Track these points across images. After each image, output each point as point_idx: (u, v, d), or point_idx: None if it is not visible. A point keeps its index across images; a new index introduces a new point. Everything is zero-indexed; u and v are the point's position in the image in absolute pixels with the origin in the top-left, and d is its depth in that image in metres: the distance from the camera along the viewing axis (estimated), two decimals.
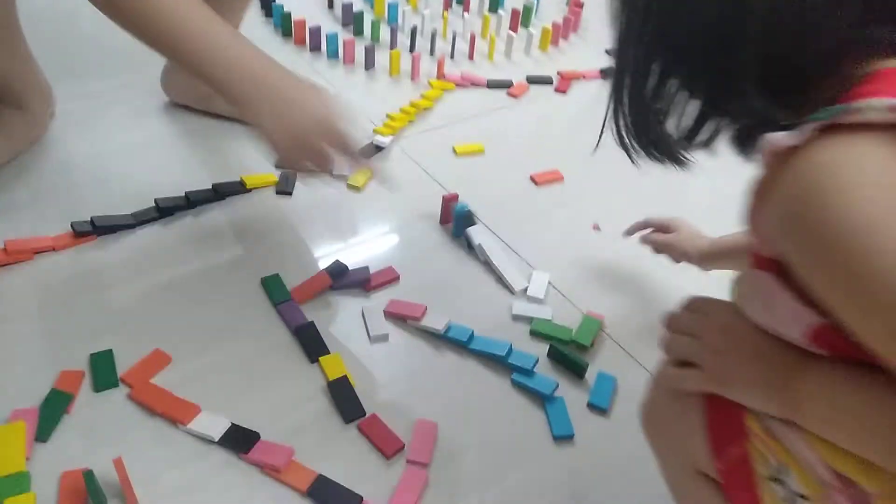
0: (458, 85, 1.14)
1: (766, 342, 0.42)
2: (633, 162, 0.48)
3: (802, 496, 0.40)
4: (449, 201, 0.85)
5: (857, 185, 0.32)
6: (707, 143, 0.45)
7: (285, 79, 0.71)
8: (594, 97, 1.16)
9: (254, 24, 1.23)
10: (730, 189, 0.50)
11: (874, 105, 0.33)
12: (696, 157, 0.48)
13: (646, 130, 0.46)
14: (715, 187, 0.96)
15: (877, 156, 0.32)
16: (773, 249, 0.38)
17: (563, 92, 1.16)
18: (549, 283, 0.80)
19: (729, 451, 0.44)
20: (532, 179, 0.96)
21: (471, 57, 1.21)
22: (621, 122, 0.46)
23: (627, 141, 0.46)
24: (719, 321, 0.46)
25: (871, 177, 0.32)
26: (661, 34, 0.41)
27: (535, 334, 0.74)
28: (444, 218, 0.86)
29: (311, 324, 0.70)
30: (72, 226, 0.78)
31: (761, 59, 0.37)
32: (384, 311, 0.74)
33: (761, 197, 0.37)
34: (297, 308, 0.72)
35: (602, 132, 0.47)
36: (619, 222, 0.90)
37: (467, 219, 0.85)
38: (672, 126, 0.44)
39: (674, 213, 0.92)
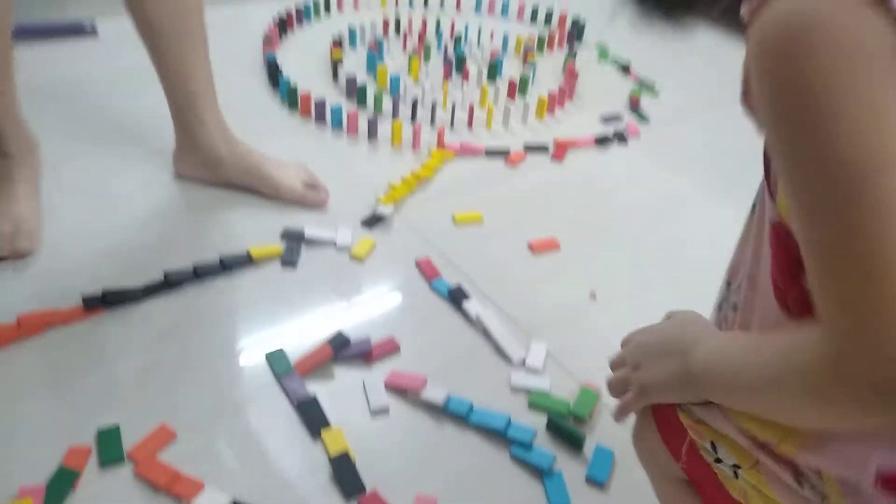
0: (457, 154, 1.18)
1: (670, 337, 0.47)
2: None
3: (737, 466, 0.43)
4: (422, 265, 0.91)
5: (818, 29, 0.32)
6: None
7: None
8: (589, 164, 1.20)
9: (261, 97, 1.29)
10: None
11: None
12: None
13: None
14: (710, 254, 0.99)
15: (842, 21, 0.32)
16: (758, 117, 0.38)
17: (560, 159, 1.20)
18: (548, 352, 0.82)
19: (681, 450, 0.47)
20: (530, 247, 0.99)
21: (470, 126, 1.26)
22: None
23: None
24: (636, 340, 0.52)
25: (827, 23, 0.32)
26: None
27: (534, 406, 0.75)
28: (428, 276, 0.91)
29: (314, 399, 0.72)
30: (82, 299, 0.80)
31: None
32: (385, 383, 0.75)
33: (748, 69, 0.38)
34: (299, 381, 0.74)
35: None
36: (616, 290, 0.93)
37: (455, 293, 0.87)
38: None
39: (670, 280, 0.95)
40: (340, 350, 0.78)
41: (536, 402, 0.75)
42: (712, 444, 0.45)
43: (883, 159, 0.31)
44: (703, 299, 0.91)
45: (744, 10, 0.37)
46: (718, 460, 0.45)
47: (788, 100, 0.33)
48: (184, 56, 0.96)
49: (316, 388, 0.74)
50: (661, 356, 0.47)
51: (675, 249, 1.02)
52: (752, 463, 0.43)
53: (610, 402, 0.76)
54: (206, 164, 1.01)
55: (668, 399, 0.47)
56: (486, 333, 0.83)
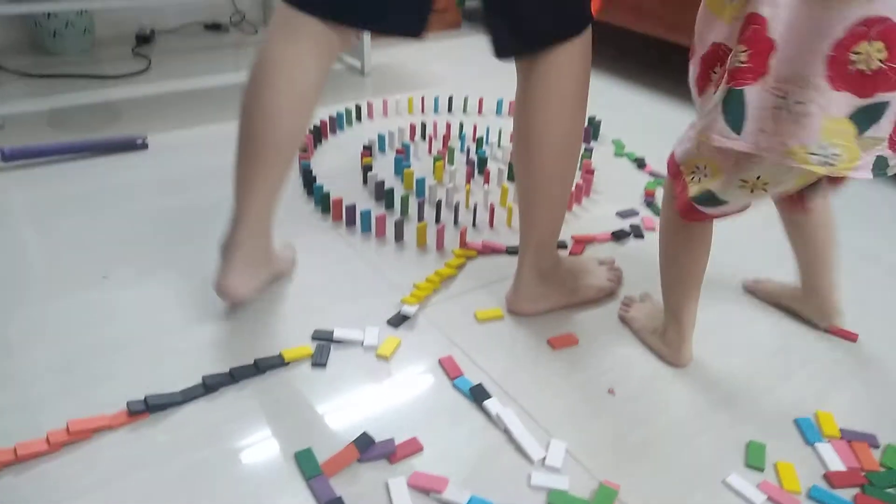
0: (479, 252, 1.24)
1: None
2: None
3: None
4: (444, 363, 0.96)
5: None
6: None
7: None
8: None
9: (297, 203, 1.38)
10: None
11: None
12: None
13: None
14: (723, 348, 1.01)
15: None
16: None
17: (578, 254, 1.25)
18: (567, 451, 0.84)
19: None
20: (549, 343, 1.02)
21: (491, 225, 1.33)
22: None
23: None
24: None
25: None
26: None
27: None
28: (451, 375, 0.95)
29: (339, 499, 0.75)
30: (127, 405, 0.86)
31: None
32: (408, 483, 0.78)
33: None
34: (326, 483, 0.77)
35: None
36: (634, 385, 0.95)
37: (476, 391, 0.91)
38: None
39: (686, 375, 0.97)
40: (365, 451, 0.81)
41: (556, 501, 0.77)
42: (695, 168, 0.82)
43: None
44: (721, 397, 0.93)
45: None
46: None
47: None
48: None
49: (341, 489, 0.77)
50: None
51: (695, 346, 1.04)
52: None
53: (629, 499, 0.78)
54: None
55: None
56: (506, 432, 0.86)
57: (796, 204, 0.94)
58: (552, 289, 1.08)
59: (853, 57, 0.62)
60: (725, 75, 0.70)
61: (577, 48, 0.92)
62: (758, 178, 0.76)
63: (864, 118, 0.65)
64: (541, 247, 1.03)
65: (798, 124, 0.66)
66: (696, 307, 0.97)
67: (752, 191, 0.78)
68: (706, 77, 0.77)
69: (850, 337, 1.06)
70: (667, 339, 0.99)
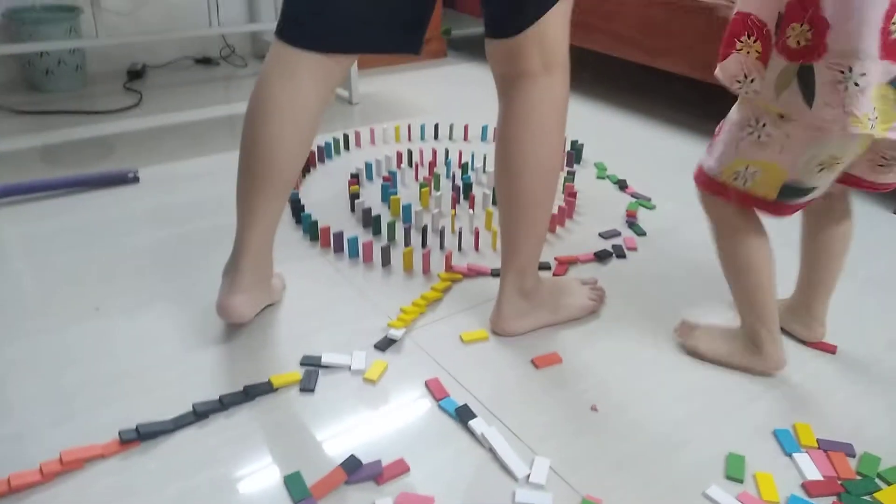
0: (465, 276, 1.26)
1: None
2: None
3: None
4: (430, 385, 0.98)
5: None
6: None
7: None
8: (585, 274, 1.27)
9: (285, 232, 1.40)
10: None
11: None
12: None
13: None
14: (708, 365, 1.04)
15: None
16: None
17: (561, 275, 1.28)
18: (551, 467, 0.86)
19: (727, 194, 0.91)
20: (533, 363, 1.05)
21: (476, 248, 1.35)
22: None
23: None
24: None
25: None
26: None
27: None
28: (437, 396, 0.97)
29: None
30: (119, 434, 0.88)
31: None
32: None
33: None
34: None
35: None
36: (615, 402, 0.97)
37: (462, 411, 0.93)
38: None
39: (669, 391, 0.99)
40: (353, 473, 0.83)
41: None
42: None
43: None
44: (700, 409, 0.96)
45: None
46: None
47: None
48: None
49: None
50: None
51: (675, 360, 1.07)
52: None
53: None
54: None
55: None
56: (491, 451, 0.88)
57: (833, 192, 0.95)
58: (535, 308, 1.10)
59: (892, 27, 0.70)
60: (786, 53, 0.77)
61: (558, 77, 0.95)
62: (831, 156, 0.81)
63: None
64: (523, 268, 1.07)
65: (864, 95, 0.73)
66: (775, 301, 0.98)
67: (829, 170, 0.83)
68: (731, 45, 0.82)
69: (830, 349, 1.09)
70: (761, 349, 0.99)
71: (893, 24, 0.70)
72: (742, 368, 1.02)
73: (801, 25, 0.75)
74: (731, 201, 0.91)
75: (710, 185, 0.92)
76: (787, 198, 0.88)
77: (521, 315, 1.10)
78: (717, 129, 0.93)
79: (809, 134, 0.80)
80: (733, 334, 1.04)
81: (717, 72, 0.86)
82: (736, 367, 1.02)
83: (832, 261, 1.03)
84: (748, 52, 0.81)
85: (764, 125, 0.84)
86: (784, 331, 1.10)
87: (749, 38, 0.80)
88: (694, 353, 1.06)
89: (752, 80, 0.82)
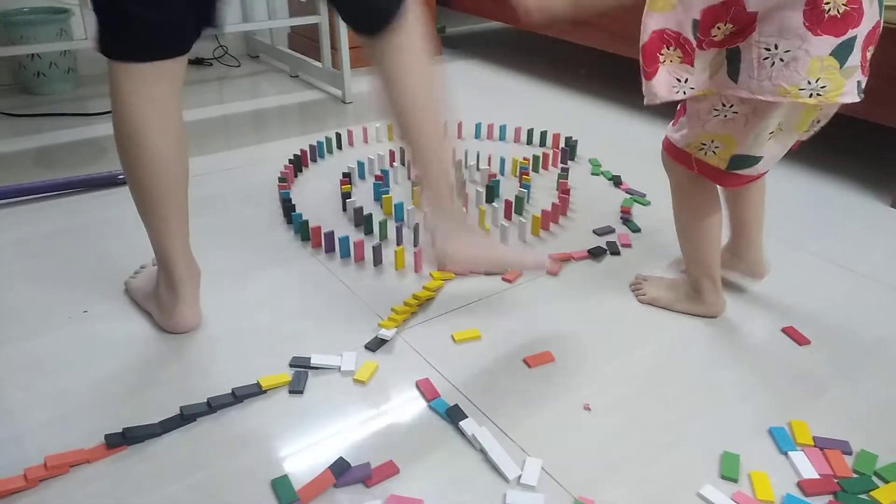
0: (457, 274, 1.25)
1: None
2: None
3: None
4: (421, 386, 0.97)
5: None
6: None
7: None
8: (584, 277, 1.26)
9: (276, 232, 1.40)
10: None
11: None
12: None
13: None
14: (701, 365, 1.03)
15: None
16: None
17: (555, 274, 1.27)
18: (543, 468, 0.85)
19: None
20: (525, 362, 1.03)
21: None
22: None
23: None
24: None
25: None
26: None
27: None
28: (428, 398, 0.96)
29: None
30: (105, 438, 0.87)
31: None
32: None
33: None
34: None
35: None
36: (608, 401, 0.96)
37: (452, 412, 0.92)
38: None
39: (662, 390, 0.98)
40: (341, 476, 0.82)
41: None
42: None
43: None
44: (694, 408, 0.94)
45: None
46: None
47: None
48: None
49: None
50: None
51: (667, 359, 1.06)
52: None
53: None
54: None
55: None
56: (482, 452, 0.87)
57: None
58: (471, 237, 1.11)
59: (825, 6, 0.80)
60: (714, 45, 0.87)
61: (411, 20, 1.01)
62: (778, 125, 0.91)
63: (843, 52, 0.82)
64: (443, 196, 1.09)
65: (788, 68, 0.83)
66: (719, 257, 1.09)
67: (776, 139, 0.94)
68: (654, 60, 0.89)
69: (803, 341, 1.09)
70: (705, 299, 1.11)
71: (825, 3, 0.79)
72: (684, 312, 1.13)
73: (726, 24, 0.84)
74: (692, 170, 1.00)
75: (678, 155, 1.01)
76: (736, 168, 0.97)
77: (462, 245, 1.09)
78: (679, 107, 1.00)
79: (764, 105, 0.88)
80: (678, 283, 1.16)
81: (650, 96, 0.91)
82: (680, 311, 1.14)
83: (759, 207, 1.14)
84: (671, 60, 0.89)
85: (731, 105, 0.91)
86: (735, 274, 1.20)
87: (668, 49, 0.88)
88: (650, 304, 1.16)
89: (686, 81, 0.89)
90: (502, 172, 1.66)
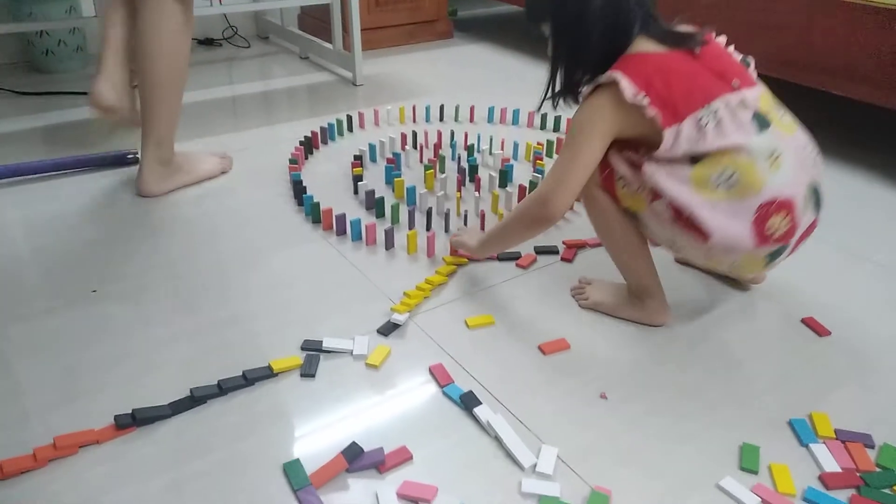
0: (470, 259, 1.23)
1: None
2: (553, 105, 1.03)
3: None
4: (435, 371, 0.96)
5: (584, 112, 0.96)
6: (577, 95, 1.00)
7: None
8: (598, 263, 1.23)
9: (287, 214, 1.38)
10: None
11: (607, 75, 0.91)
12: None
13: (564, 90, 1.00)
14: (722, 352, 1.01)
15: (600, 98, 0.93)
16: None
17: (569, 260, 1.25)
18: (558, 456, 0.83)
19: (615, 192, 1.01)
20: (540, 349, 1.02)
21: (482, 231, 1.32)
22: (553, 87, 1.01)
23: (554, 94, 1.01)
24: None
25: (591, 106, 0.95)
26: (568, 48, 0.98)
27: None
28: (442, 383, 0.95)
29: None
30: (114, 419, 0.86)
31: (600, 64, 0.94)
32: (397, 493, 0.77)
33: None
34: (315, 495, 0.76)
35: (544, 97, 1.02)
36: (626, 390, 0.94)
37: (467, 398, 0.90)
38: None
39: (678, 377, 0.96)
40: (354, 461, 0.81)
41: None
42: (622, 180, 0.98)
43: (581, 142, 0.95)
44: (713, 399, 0.92)
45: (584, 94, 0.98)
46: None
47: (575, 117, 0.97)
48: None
49: (330, 499, 0.76)
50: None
51: (685, 348, 1.04)
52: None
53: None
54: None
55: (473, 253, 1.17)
56: (497, 439, 0.85)
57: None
58: (172, 173, 1.44)
59: (767, 231, 0.91)
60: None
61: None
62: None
63: (774, 256, 0.95)
64: (161, 140, 1.40)
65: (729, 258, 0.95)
66: (653, 267, 1.06)
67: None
68: (613, 188, 1.01)
69: (823, 332, 1.07)
70: (646, 306, 1.07)
71: (769, 227, 0.91)
72: (628, 319, 1.09)
73: (686, 233, 0.94)
74: (617, 202, 1.02)
75: (609, 188, 1.01)
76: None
77: (159, 181, 1.42)
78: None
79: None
80: (623, 288, 1.11)
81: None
82: (623, 317, 1.09)
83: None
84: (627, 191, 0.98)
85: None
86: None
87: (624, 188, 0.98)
88: (592, 309, 1.12)
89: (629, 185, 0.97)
90: (516, 157, 1.64)
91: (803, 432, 0.88)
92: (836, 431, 0.88)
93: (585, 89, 0.96)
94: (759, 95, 0.95)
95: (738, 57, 1.02)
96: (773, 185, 0.90)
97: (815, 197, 0.96)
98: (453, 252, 1.23)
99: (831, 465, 0.83)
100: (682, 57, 0.94)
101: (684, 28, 1.00)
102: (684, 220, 0.92)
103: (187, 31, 1.36)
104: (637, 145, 0.96)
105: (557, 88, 1.00)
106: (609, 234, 1.06)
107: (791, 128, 0.96)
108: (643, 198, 0.96)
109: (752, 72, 1.02)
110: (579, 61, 0.97)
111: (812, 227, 0.98)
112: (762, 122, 0.92)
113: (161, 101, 1.36)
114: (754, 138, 0.91)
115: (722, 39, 1.03)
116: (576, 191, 0.96)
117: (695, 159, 0.92)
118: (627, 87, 0.90)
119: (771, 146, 0.91)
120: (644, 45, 0.94)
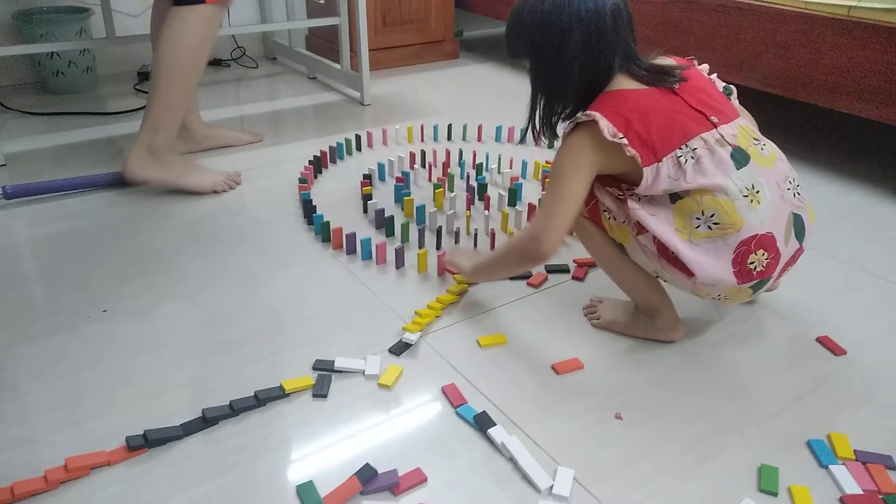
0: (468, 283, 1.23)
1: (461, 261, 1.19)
2: (534, 140, 1.07)
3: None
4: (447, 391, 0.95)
5: (566, 151, 0.96)
6: (555, 131, 1.03)
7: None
8: (610, 282, 1.23)
9: (297, 233, 1.38)
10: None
11: (586, 113, 0.92)
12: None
13: (543, 125, 1.02)
14: (733, 370, 1.00)
15: (580, 136, 0.94)
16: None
17: (580, 279, 1.24)
18: (575, 478, 0.82)
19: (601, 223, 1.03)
20: (553, 369, 1.01)
21: (492, 250, 1.32)
22: (533, 121, 1.02)
23: (533, 131, 1.03)
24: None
25: (571, 144, 0.95)
26: (547, 83, 0.99)
27: None
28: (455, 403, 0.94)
29: None
30: (126, 440, 0.85)
31: (580, 99, 0.97)
32: None
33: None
34: None
35: (525, 131, 1.04)
36: (641, 410, 0.93)
37: (480, 419, 0.89)
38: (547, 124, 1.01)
39: (692, 397, 0.95)
40: (368, 483, 0.80)
41: None
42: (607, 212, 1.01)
43: (565, 181, 0.95)
44: (729, 419, 0.91)
45: (563, 131, 0.98)
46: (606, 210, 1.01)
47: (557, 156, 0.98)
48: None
49: None
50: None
51: (700, 368, 1.03)
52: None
53: None
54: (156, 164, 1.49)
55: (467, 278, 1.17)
56: (512, 460, 0.84)
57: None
58: (158, 166, 1.47)
59: (750, 266, 0.93)
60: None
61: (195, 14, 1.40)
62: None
63: (758, 287, 0.96)
64: (156, 127, 1.43)
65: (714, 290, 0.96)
66: (658, 283, 1.05)
67: None
68: (599, 217, 1.05)
69: (839, 351, 1.06)
70: (657, 323, 1.06)
71: (750, 263, 0.92)
72: (643, 337, 1.08)
73: (671, 269, 0.95)
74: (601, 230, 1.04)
75: (595, 219, 1.04)
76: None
77: (143, 166, 1.45)
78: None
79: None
80: (633, 307, 1.10)
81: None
82: (638, 336, 1.08)
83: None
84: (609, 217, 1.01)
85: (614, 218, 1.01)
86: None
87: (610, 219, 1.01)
88: (605, 328, 1.11)
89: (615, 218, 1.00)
90: (524, 175, 1.64)
91: (822, 453, 0.87)
92: (855, 452, 0.87)
93: (566, 126, 0.97)
94: (737, 130, 0.95)
95: (721, 86, 1.03)
96: (753, 222, 0.91)
97: (798, 226, 0.96)
98: (443, 270, 1.23)
99: (852, 487, 0.82)
100: (661, 94, 0.95)
101: (664, 61, 1.01)
102: (669, 256, 0.94)
103: (211, 31, 1.42)
104: (619, 181, 0.97)
105: (537, 123, 1.01)
106: (606, 261, 1.06)
107: (770, 160, 0.95)
108: (628, 230, 0.97)
109: (734, 100, 1.03)
110: (559, 96, 0.98)
111: (797, 254, 0.98)
112: (741, 157, 0.93)
113: (165, 88, 1.42)
114: (733, 176, 0.91)
115: (704, 68, 1.04)
116: (565, 228, 0.95)
117: (675, 196, 0.93)
118: (606, 127, 0.90)
119: (750, 182, 0.92)
120: (623, 83, 0.95)
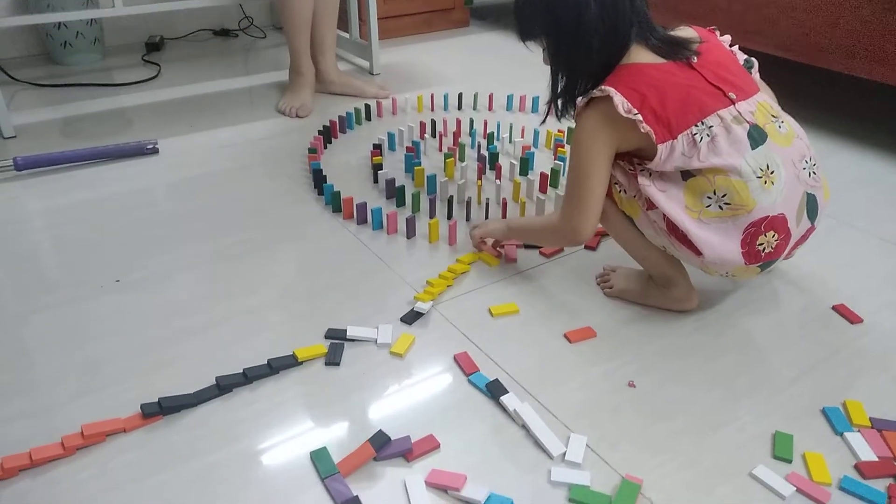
0: (498, 255, 1.22)
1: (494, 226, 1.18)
2: (557, 118, 1.03)
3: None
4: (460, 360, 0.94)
5: (583, 131, 0.95)
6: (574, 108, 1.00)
7: None
8: (622, 251, 1.22)
9: (307, 203, 1.37)
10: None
11: (600, 88, 0.91)
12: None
13: (566, 101, 0.99)
14: (747, 341, 0.99)
15: (594, 112, 0.93)
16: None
17: (593, 248, 1.23)
18: (587, 445, 0.82)
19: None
20: (566, 337, 1.00)
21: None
22: (555, 98, 1.00)
23: (556, 109, 1.01)
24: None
25: (587, 123, 0.94)
26: (567, 62, 0.97)
27: (574, 501, 0.75)
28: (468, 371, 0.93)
29: (356, 499, 0.74)
30: (141, 407, 0.85)
31: (599, 73, 0.94)
32: (425, 482, 0.77)
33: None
34: (342, 482, 0.76)
35: (547, 113, 1.04)
36: (654, 378, 0.93)
37: (493, 386, 0.89)
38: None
39: (706, 364, 0.94)
40: (382, 449, 0.80)
41: (577, 497, 0.75)
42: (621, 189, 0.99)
43: (588, 164, 0.95)
44: (744, 387, 0.90)
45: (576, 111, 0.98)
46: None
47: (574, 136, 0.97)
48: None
49: (358, 488, 0.76)
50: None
51: (713, 336, 1.02)
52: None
53: (652, 494, 0.76)
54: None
55: (502, 237, 1.18)
56: (525, 427, 0.84)
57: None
58: (291, 81, 1.87)
59: (759, 247, 0.92)
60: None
61: None
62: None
63: (766, 266, 0.96)
64: (291, 53, 1.83)
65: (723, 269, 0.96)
66: (672, 255, 1.02)
67: None
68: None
69: (855, 319, 1.05)
70: (672, 292, 1.05)
71: (759, 244, 0.91)
72: (655, 306, 1.07)
73: (680, 246, 0.95)
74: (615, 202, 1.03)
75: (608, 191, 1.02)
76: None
77: (336, 84, 1.94)
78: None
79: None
80: (647, 276, 1.09)
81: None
82: (651, 305, 1.08)
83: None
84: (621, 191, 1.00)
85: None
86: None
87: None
88: (617, 297, 1.10)
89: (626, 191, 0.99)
90: (536, 145, 1.62)
91: (837, 421, 0.86)
92: (871, 420, 0.86)
93: (580, 101, 0.95)
94: (755, 107, 0.93)
95: (742, 58, 1.00)
96: (765, 203, 0.90)
97: (811, 206, 0.95)
98: (480, 248, 1.22)
99: (867, 454, 0.81)
100: (678, 68, 0.92)
101: (685, 32, 0.98)
102: (678, 233, 0.93)
103: None
104: (631, 156, 0.96)
105: (559, 99, 0.99)
106: (619, 232, 1.05)
107: (788, 139, 0.93)
108: (638, 205, 0.96)
109: (755, 74, 1.00)
110: (580, 72, 0.96)
111: (808, 233, 0.98)
112: (758, 135, 0.91)
113: (289, 32, 1.81)
114: (748, 156, 0.89)
115: (726, 39, 1.01)
116: (598, 210, 0.97)
117: (686, 174, 0.91)
118: (621, 102, 0.89)
119: (765, 162, 0.90)
120: (640, 55, 0.93)
